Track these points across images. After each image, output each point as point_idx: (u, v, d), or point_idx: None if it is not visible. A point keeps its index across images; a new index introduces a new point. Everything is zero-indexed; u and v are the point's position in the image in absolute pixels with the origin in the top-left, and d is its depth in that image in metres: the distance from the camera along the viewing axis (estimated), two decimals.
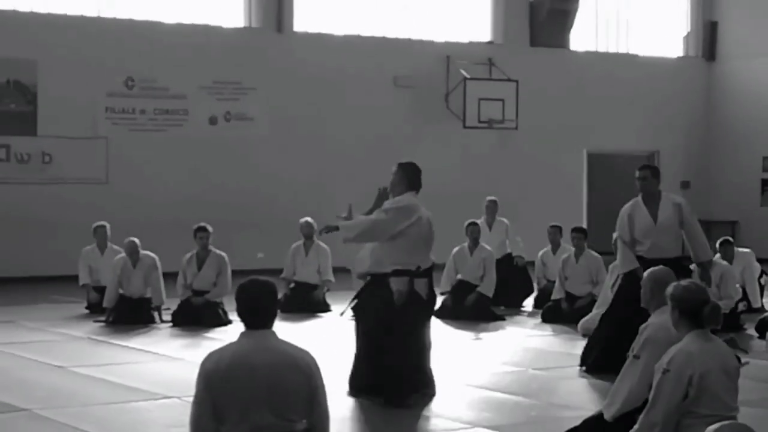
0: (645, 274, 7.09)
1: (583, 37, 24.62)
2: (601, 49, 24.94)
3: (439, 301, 13.94)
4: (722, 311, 6.17)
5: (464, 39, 23.31)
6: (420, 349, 9.32)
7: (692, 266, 10.79)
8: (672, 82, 25.21)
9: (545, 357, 11.67)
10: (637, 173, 10.67)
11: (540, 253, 15.85)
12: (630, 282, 10.04)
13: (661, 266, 7.17)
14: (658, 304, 6.66)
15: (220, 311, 13.82)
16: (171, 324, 13.75)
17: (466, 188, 21.49)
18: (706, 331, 6.01)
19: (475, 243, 15.02)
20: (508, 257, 15.92)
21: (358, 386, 9.26)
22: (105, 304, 14.12)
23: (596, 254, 14.57)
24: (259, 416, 5.21)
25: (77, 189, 19.72)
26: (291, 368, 5.28)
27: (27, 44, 19.40)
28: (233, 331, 11.56)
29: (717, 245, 14.32)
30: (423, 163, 9.59)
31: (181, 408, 8.32)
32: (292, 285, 15.30)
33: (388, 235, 9.11)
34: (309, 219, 15.47)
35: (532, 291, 15.97)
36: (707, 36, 25.72)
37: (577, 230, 14.83)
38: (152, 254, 14.30)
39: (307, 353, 5.40)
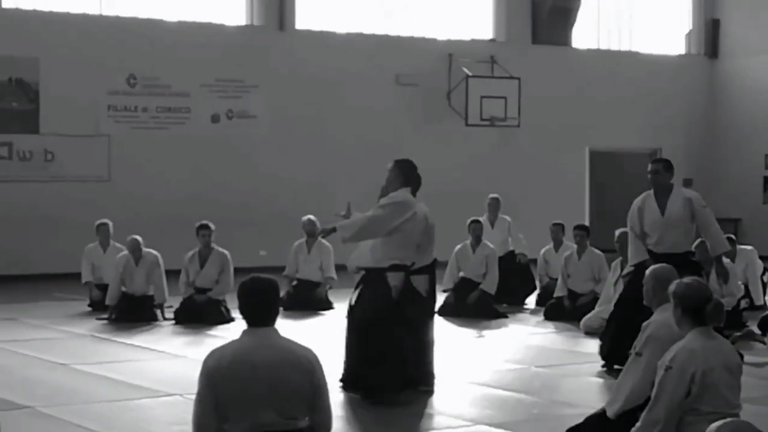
0: (647, 272, 7.08)
1: (585, 35, 24.61)
2: (603, 46, 24.93)
3: (442, 298, 13.97)
4: (725, 308, 6.17)
5: (466, 37, 23.31)
6: (419, 345, 9.33)
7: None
8: (674, 80, 25.19)
9: (548, 354, 11.68)
10: (650, 166, 10.61)
11: (542, 250, 15.84)
12: (641, 273, 10.02)
13: (663, 264, 7.16)
14: (660, 302, 6.66)
15: (223, 309, 13.83)
16: (173, 321, 13.76)
17: (469, 186, 21.49)
18: (709, 329, 6.00)
19: (477, 240, 15.02)
20: (511, 255, 15.92)
21: (344, 379, 9.26)
22: (107, 302, 14.13)
23: (598, 252, 14.56)
24: (262, 414, 5.21)
25: (79, 187, 19.72)
26: (293, 366, 5.28)
27: (29, 42, 19.40)
28: (236, 328, 11.55)
29: None
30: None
31: (183, 405, 8.33)
32: (295, 283, 15.30)
33: (385, 230, 9.14)
34: (311, 217, 15.47)
35: (534, 288, 15.97)
36: (709, 34, 25.71)
37: (579, 228, 14.83)
38: (155, 252, 14.30)
39: (309, 351, 5.40)
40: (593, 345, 12.03)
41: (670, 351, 5.94)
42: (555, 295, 14.47)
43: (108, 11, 20.36)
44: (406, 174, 9.39)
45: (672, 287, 6.11)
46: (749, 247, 15.35)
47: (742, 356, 7.00)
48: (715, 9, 25.68)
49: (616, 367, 9.83)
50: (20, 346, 11.84)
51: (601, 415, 6.77)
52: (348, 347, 9.29)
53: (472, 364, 10.91)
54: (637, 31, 25.33)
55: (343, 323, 9.53)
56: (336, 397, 8.77)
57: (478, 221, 15.21)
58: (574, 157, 24.14)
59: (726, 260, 13.61)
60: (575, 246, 14.63)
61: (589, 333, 12.72)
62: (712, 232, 10.50)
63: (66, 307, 15.18)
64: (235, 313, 12.32)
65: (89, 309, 14.87)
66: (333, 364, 8.94)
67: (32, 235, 19.21)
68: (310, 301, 15.05)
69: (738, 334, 11.96)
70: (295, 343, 5.41)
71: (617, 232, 12.79)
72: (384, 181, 9.51)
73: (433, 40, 22.85)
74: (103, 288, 14.61)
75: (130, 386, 9.64)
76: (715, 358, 5.89)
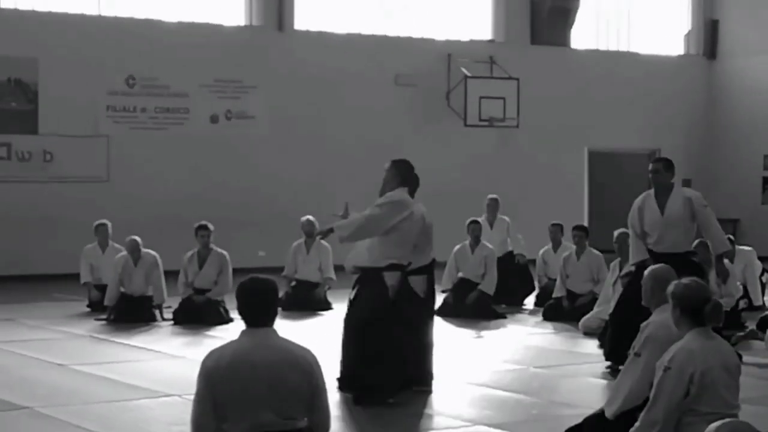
0: (645, 272, 7.09)
1: (584, 36, 24.61)
2: (602, 47, 24.94)
3: (441, 299, 13.96)
4: (723, 309, 6.17)
5: (465, 37, 23.31)
6: (419, 346, 9.33)
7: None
8: (673, 81, 25.20)
9: (546, 355, 11.68)
10: (650, 166, 10.60)
11: (541, 251, 15.84)
12: (642, 273, 10.02)
13: (661, 264, 7.16)
14: (659, 303, 6.66)
15: (222, 309, 13.82)
16: (172, 322, 13.76)
17: (467, 186, 21.48)
18: (708, 329, 6.00)
19: (476, 241, 15.03)
20: (510, 255, 15.93)
21: (340, 379, 9.25)
22: (106, 303, 14.13)
23: (597, 252, 14.56)
24: (260, 414, 5.21)
25: (78, 187, 19.72)
26: (292, 366, 5.28)
27: (28, 42, 19.40)
28: (234, 329, 11.54)
29: None
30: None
31: (182, 406, 8.32)
32: (294, 283, 15.30)
33: (383, 229, 9.15)
34: (310, 217, 15.47)
35: (533, 289, 15.98)
36: (708, 34, 25.72)
37: (578, 228, 14.83)
38: (153, 252, 14.30)
39: (308, 351, 5.40)
40: (592, 345, 12.07)
41: (669, 351, 5.94)
42: (554, 295, 14.47)
43: (107, 11, 20.36)
44: (403, 174, 9.41)
45: (671, 288, 6.11)
46: (748, 248, 15.35)
47: (740, 357, 7.00)
48: (714, 9, 25.69)
49: (620, 368, 9.81)
50: (19, 347, 11.84)
51: (599, 415, 6.76)
52: (344, 347, 9.29)
53: (470, 365, 10.90)
54: (636, 32, 25.34)
55: (342, 324, 9.53)
56: (334, 397, 8.77)
57: (476, 222, 15.21)
58: (573, 157, 24.14)
59: (725, 261, 13.65)
60: (574, 246, 14.63)
61: (588, 333, 12.73)
62: (712, 232, 10.46)
63: (65, 308, 15.18)
64: (234, 314, 12.33)
65: (88, 309, 14.87)
66: (332, 365, 8.95)
67: (31, 235, 19.21)
68: (308, 301, 15.05)
69: (740, 334, 11.97)
70: (294, 344, 5.41)
71: (616, 233, 12.80)
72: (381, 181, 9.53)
73: (432, 41, 22.86)
74: (102, 288, 14.61)
75: (129, 387, 9.64)
76: (713, 359, 5.89)
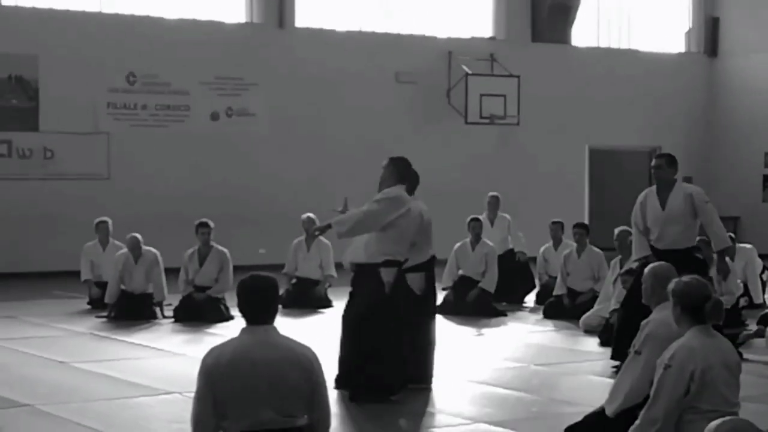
0: (646, 270, 7.08)
1: (584, 33, 24.62)
2: (603, 44, 24.93)
3: (441, 296, 13.96)
4: (724, 307, 6.17)
5: (466, 35, 23.31)
6: (419, 345, 9.33)
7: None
8: (673, 78, 25.20)
9: (547, 353, 11.67)
10: (653, 161, 10.58)
11: (541, 248, 15.84)
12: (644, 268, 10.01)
13: (662, 262, 7.17)
14: (659, 300, 6.66)
15: (222, 307, 13.82)
16: (173, 320, 13.76)
17: (468, 184, 21.49)
18: (708, 327, 6.00)
19: (476, 239, 15.03)
20: (510, 253, 15.92)
21: (338, 376, 9.25)
22: (107, 300, 14.13)
23: (598, 250, 14.57)
24: (260, 412, 5.21)
25: (79, 184, 19.72)
26: (292, 364, 5.27)
27: (28, 40, 19.40)
28: (235, 326, 11.55)
29: None
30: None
31: (182, 403, 8.33)
32: (294, 281, 15.30)
33: (380, 225, 9.15)
34: (311, 214, 15.46)
35: (533, 287, 15.98)
36: (709, 32, 25.71)
37: (578, 226, 14.83)
38: (154, 250, 14.30)
39: (308, 349, 5.40)
40: (592, 343, 12.08)
41: (669, 349, 5.94)
42: (554, 293, 14.48)
43: (107, 9, 20.35)
44: (401, 171, 9.41)
45: (671, 286, 6.11)
46: (748, 246, 15.34)
47: (741, 354, 7.00)
48: (714, 7, 25.68)
49: None
50: (19, 344, 11.84)
51: (600, 413, 6.77)
52: (342, 344, 9.30)
53: (471, 363, 10.91)
54: (637, 29, 25.34)
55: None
56: (333, 394, 8.78)
57: (477, 219, 15.21)
58: (574, 155, 24.14)
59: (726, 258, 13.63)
60: (574, 244, 14.63)
61: (589, 331, 12.74)
62: (713, 228, 10.42)
63: (65, 305, 15.18)
64: (235, 311, 12.31)
65: (88, 307, 14.87)
66: (332, 363, 8.95)
67: (31, 233, 19.21)
68: (309, 299, 15.05)
69: (748, 332, 11.92)
70: (294, 342, 5.41)
71: (616, 231, 12.80)
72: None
73: (433, 38, 22.85)
74: (103, 286, 14.61)
75: (130, 384, 9.64)
76: (714, 357, 5.89)
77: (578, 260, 14.44)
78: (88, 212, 17.26)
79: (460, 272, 14.95)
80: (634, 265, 10.59)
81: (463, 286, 14.79)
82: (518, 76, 22.48)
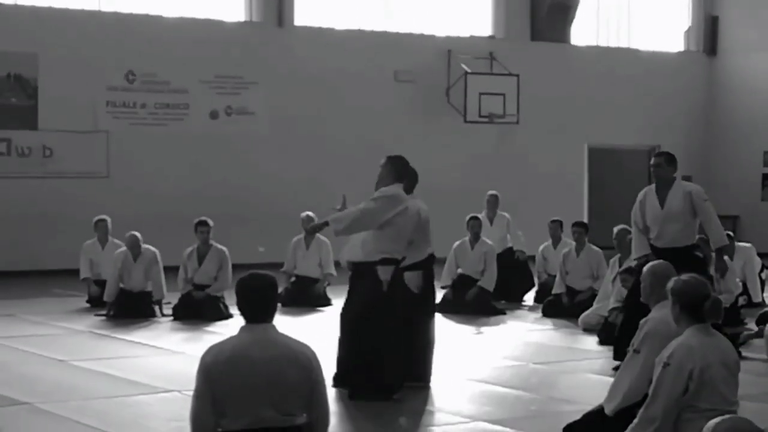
0: (645, 269, 7.08)
1: (584, 32, 24.61)
2: (602, 43, 24.93)
3: (440, 295, 13.96)
4: (723, 306, 6.17)
5: (465, 33, 23.31)
6: (418, 344, 9.33)
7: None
8: (673, 77, 25.19)
9: (546, 351, 11.68)
10: (652, 160, 10.58)
11: (541, 247, 15.85)
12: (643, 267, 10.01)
13: (660, 261, 7.16)
14: (658, 299, 6.67)
15: (221, 305, 13.83)
16: (172, 318, 13.76)
17: (467, 182, 21.49)
18: (707, 326, 6.00)
19: (476, 237, 15.03)
20: (509, 252, 15.93)
21: (336, 375, 9.25)
22: (106, 298, 14.13)
23: (597, 249, 14.57)
24: (259, 410, 5.21)
25: (78, 183, 19.72)
26: (291, 362, 5.27)
27: (28, 38, 19.39)
28: (234, 325, 11.56)
29: None
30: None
31: (181, 402, 8.33)
32: (293, 279, 15.30)
33: (377, 223, 9.15)
34: (310, 213, 15.45)
35: (532, 285, 15.98)
36: (708, 31, 25.71)
37: (577, 225, 14.83)
38: (153, 248, 14.30)
39: (307, 347, 5.40)
40: (591, 342, 12.09)
41: (668, 348, 5.94)
42: (553, 291, 14.48)
43: (106, 7, 20.35)
44: (399, 170, 9.41)
45: (670, 284, 6.11)
46: (748, 244, 15.36)
47: (740, 353, 7.00)
48: (714, 6, 25.68)
49: None
50: (19, 343, 11.84)
51: (599, 411, 6.77)
52: (340, 343, 9.30)
53: (470, 361, 10.91)
54: (636, 28, 25.34)
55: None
56: (332, 393, 8.78)
57: (476, 218, 15.22)
58: (573, 154, 24.14)
59: (724, 257, 13.63)
60: (574, 243, 14.63)
61: (588, 330, 12.75)
62: (712, 227, 10.43)
63: (64, 304, 15.18)
64: (234, 310, 12.33)
65: (87, 305, 14.87)
66: (331, 361, 8.95)
67: (30, 231, 19.21)
68: (308, 297, 15.05)
69: (749, 332, 11.92)
70: (293, 340, 5.40)
71: (615, 229, 12.81)
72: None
73: (432, 37, 22.85)
74: (102, 284, 14.61)
75: (129, 382, 9.64)
76: (712, 355, 5.89)
77: (577, 259, 14.45)
78: (87, 211, 17.24)
79: (459, 271, 14.96)
80: (634, 263, 10.60)
81: (462, 284, 14.79)
82: (517, 75, 22.48)
